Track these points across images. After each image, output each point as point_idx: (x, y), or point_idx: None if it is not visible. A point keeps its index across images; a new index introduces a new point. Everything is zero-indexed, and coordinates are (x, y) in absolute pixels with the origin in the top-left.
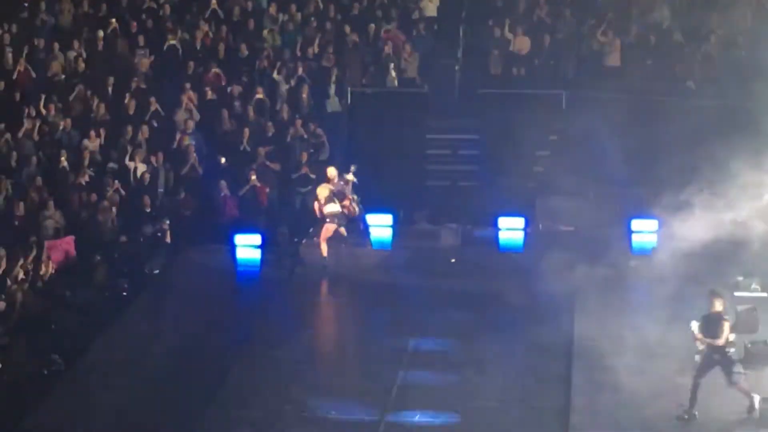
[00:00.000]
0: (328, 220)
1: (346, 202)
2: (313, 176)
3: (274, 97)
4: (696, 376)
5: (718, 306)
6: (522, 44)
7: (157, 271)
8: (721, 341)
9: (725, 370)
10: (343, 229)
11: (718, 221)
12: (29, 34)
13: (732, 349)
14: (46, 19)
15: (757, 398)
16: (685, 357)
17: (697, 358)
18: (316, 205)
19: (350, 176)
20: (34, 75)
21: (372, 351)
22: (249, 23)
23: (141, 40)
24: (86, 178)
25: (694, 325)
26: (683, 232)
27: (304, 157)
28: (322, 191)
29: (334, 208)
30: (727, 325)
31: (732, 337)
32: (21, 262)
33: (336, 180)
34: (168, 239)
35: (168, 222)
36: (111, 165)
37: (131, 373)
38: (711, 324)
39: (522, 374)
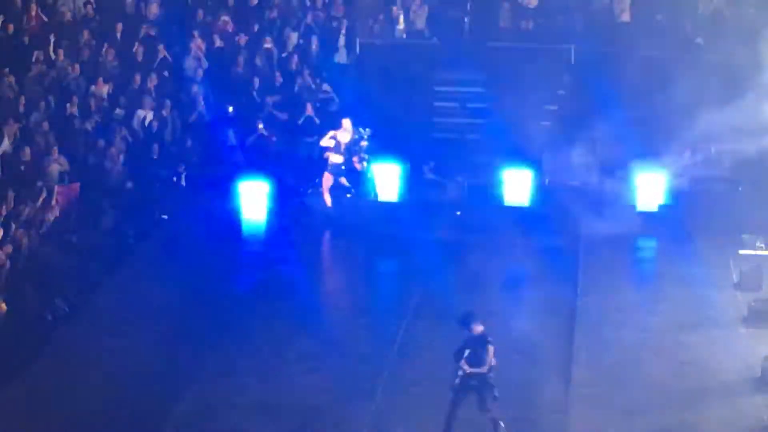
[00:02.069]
0: (328, 169)
1: (355, 159)
2: (318, 121)
3: (283, 47)
4: (453, 405)
5: (481, 329)
6: None
7: (166, 216)
8: (486, 368)
9: (481, 395)
10: (344, 179)
11: (723, 176)
12: None
13: (492, 374)
14: None
15: (502, 425)
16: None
17: (457, 381)
18: (325, 141)
19: (364, 142)
20: (45, 19)
21: (376, 302)
22: None
23: None
24: (93, 124)
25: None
26: (690, 186)
27: (309, 108)
28: (335, 136)
29: (337, 159)
30: (492, 349)
31: (494, 361)
32: (27, 206)
33: (350, 133)
34: (183, 183)
35: (184, 167)
36: (118, 111)
37: (136, 319)
38: (475, 348)
39: (525, 328)
